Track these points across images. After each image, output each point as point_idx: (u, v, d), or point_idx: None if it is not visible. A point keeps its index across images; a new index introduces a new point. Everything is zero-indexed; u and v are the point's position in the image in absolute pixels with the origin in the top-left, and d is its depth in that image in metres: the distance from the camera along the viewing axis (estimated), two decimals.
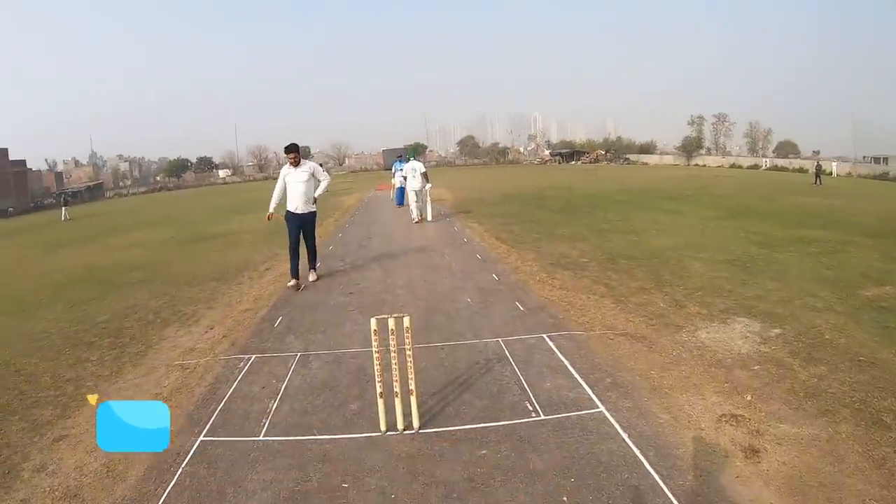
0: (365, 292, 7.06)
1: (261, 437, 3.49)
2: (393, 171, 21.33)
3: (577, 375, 4.26)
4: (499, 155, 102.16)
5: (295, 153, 7.40)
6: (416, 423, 3.50)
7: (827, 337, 5.05)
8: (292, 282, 7.50)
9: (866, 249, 9.67)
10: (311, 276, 7.91)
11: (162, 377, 4.67)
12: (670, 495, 2.78)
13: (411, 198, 14.35)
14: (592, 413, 3.65)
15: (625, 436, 3.35)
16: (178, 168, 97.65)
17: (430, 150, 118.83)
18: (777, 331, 5.24)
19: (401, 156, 22.98)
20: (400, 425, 3.48)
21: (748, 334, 5.15)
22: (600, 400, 3.82)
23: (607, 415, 3.61)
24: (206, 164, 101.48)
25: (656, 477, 2.93)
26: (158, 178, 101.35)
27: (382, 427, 3.48)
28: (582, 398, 3.88)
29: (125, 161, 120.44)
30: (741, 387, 4.05)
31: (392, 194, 20.16)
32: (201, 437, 3.52)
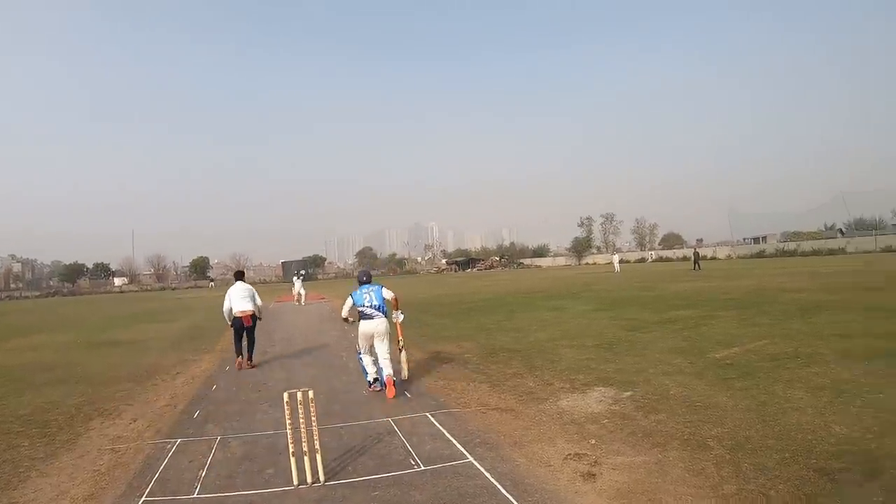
0: (271, 389, 7.82)
1: (195, 496, 4.21)
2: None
3: (452, 439, 5.26)
4: (396, 265, 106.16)
5: None
6: (321, 477, 4.35)
7: (671, 392, 6.34)
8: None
9: (726, 320, 11.54)
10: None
11: (96, 458, 5.22)
12: None
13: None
14: (463, 462, 4.64)
15: (488, 475, 4.33)
16: (73, 273, 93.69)
17: (329, 262, 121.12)
18: (628, 393, 6.46)
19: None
20: (309, 479, 4.31)
21: (602, 398, 6.33)
22: (470, 454, 4.82)
23: (475, 462, 4.61)
24: (102, 271, 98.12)
25: (510, 497, 3.91)
26: (52, 282, 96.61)
27: (295, 481, 4.30)
28: (455, 453, 4.87)
29: (17, 262, 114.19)
30: (588, 435, 5.17)
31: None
32: (143, 498, 4.18)
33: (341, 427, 5.85)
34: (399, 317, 7.92)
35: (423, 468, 4.55)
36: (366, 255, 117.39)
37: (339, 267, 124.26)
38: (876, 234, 64.89)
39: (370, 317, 7.37)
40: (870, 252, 54.51)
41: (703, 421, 5.29)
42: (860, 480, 3.84)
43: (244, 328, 9.88)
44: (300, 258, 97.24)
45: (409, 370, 8.05)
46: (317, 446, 4.38)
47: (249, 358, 9.96)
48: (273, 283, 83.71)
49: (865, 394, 5.79)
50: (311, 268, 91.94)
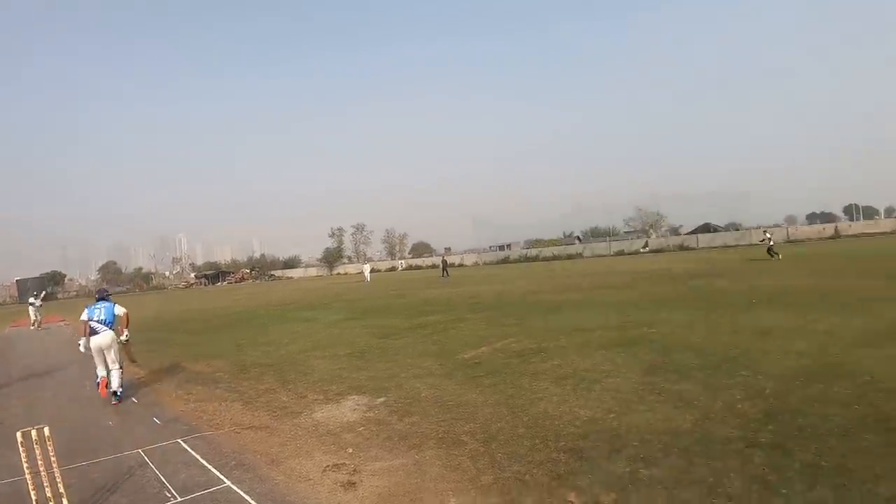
0: (8, 428, 6.91)
1: None
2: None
3: (207, 464, 5.29)
4: (143, 280, 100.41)
5: None
6: None
7: (423, 394, 6.90)
8: None
9: (474, 323, 12.63)
10: None
11: None
12: None
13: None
14: (221, 487, 4.74)
15: (247, 497, 4.48)
16: None
17: (70, 279, 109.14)
18: (382, 399, 6.94)
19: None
20: None
21: (357, 407, 6.74)
22: (227, 477, 4.92)
23: (233, 486, 4.73)
24: None
25: None
26: None
27: None
28: (212, 479, 4.93)
29: None
30: (346, 444, 5.50)
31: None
32: None
33: (88, 465, 5.54)
34: (124, 336, 8.68)
35: (179, 499, 4.56)
36: (110, 270, 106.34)
37: (80, 284, 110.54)
38: (610, 240, 74.69)
39: (96, 331, 8.27)
40: (604, 256, 61.64)
41: (456, 418, 5.80)
42: (607, 455, 4.44)
43: None
44: (37, 275, 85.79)
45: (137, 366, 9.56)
46: (61, 489, 4.17)
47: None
48: (8, 304, 72.21)
49: (604, 379, 6.72)
50: (49, 286, 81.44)
